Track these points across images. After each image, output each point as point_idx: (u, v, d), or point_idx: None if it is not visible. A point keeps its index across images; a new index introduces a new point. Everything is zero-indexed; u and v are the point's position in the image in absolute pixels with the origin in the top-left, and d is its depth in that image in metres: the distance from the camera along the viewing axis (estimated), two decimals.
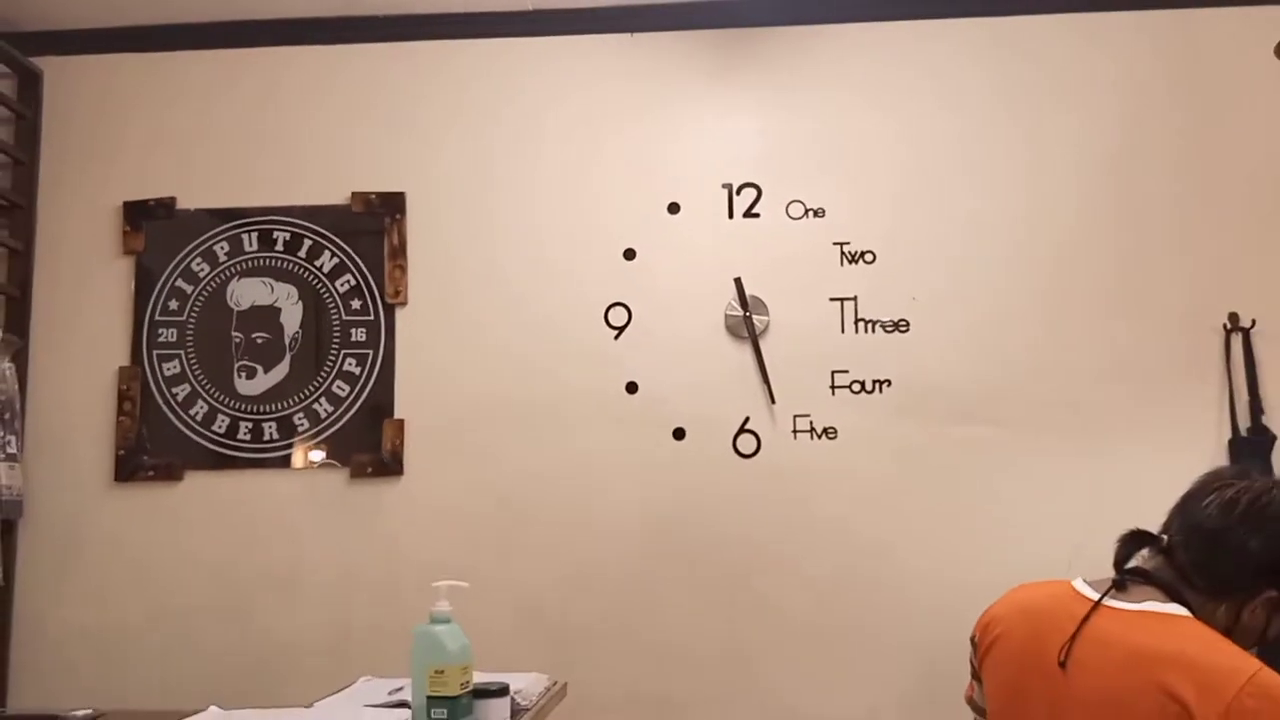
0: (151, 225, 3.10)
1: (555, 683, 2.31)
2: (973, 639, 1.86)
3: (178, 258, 3.09)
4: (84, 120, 3.15)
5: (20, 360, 3.01)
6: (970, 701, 1.90)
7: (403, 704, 1.98)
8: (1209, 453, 2.88)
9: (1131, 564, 1.72)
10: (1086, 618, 1.65)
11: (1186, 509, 1.72)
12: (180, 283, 3.09)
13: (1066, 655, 1.64)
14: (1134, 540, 1.71)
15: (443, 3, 3.09)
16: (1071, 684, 1.63)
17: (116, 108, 3.15)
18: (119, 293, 3.09)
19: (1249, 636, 1.67)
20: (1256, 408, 2.93)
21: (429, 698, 1.77)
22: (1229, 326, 2.96)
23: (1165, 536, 1.72)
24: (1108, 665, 1.60)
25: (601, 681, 2.87)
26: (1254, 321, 2.94)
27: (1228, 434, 2.91)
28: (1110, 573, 1.73)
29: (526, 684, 2.09)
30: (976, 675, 1.85)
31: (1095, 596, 1.68)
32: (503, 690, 1.91)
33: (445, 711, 1.77)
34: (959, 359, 2.97)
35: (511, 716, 1.93)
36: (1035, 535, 2.85)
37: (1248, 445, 2.91)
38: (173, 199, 3.11)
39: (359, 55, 3.13)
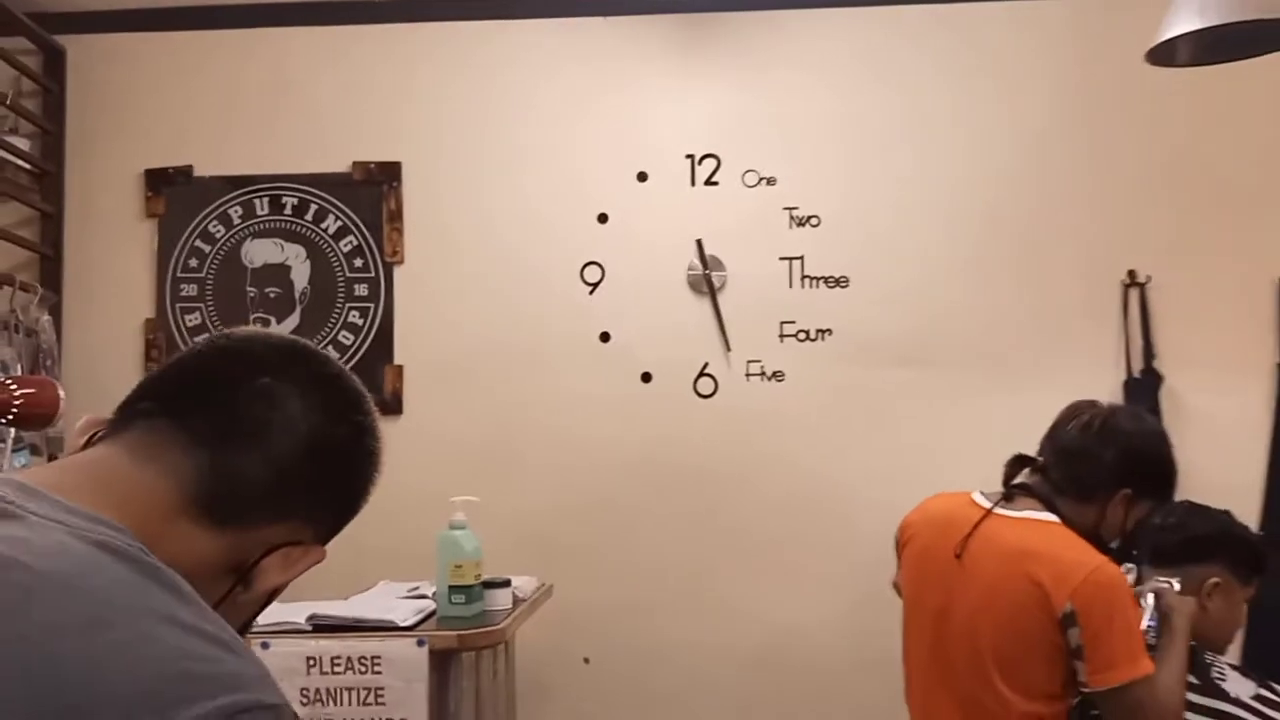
0: (171, 191, 3.44)
1: (543, 584, 2.72)
2: (896, 538, 2.32)
3: (196, 220, 3.43)
4: (106, 94, 3.47)
5: (55, 314, 3.35)
6: (895, 586, 2.35)
7: (421, 597, 2.38)
8: (1108, 391, 3.31)
9: (1018, 480, 2.18)
10: (979, 522, 2.10)
11: (1054, 435, 2.19)
12: (199, 243, 3.43)
13: (962, 550, 2.10)
14: (1017, 463, 2.18)
15: None
16: (964, 572, 2.09)
17: (136, 83, 3.47)
18: (143, 252, 3.43)
19: (1113, 529, 2.14)
20: (1149, 353, 3.37)
21: (450, 587, 2.17)
22: (1128, 282, 3.39)
23: (1040, 459, 2.18)
24: (991, 558, 2.05)
25: (582, 589, 3.27)
26: (1149, 278, 3.37)
27: (1123, 375, 3.35)
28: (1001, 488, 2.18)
29: (523, 582, 2.50)
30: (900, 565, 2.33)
31: (988, 505, 2.14)
32: (506, 583, 2.32)
33: (463, 597, 2.17)
34: (892, 310, 3.38)
35: (512, 606, 2.33)
36: (956, 463, 3.26)
37: (1140, 385, 3.35)
38: (190, 167, 3.45)
39: (360, 36, 3.47)
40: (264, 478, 0.86)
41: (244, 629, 0.87)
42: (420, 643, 2.01)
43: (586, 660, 3.37)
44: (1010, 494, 2.16)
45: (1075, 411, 2.15)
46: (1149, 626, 2.22)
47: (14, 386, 2.20)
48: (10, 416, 2.18)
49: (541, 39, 3.47)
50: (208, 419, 0.85)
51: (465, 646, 2.05)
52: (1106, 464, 2.08)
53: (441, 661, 2.04)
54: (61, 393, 2.30)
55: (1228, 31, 2.46)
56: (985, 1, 3.44)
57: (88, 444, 0.87)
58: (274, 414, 0.87)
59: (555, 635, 3.28)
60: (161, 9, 3.45)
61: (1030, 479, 2.17)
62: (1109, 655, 1.90)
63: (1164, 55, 2.56)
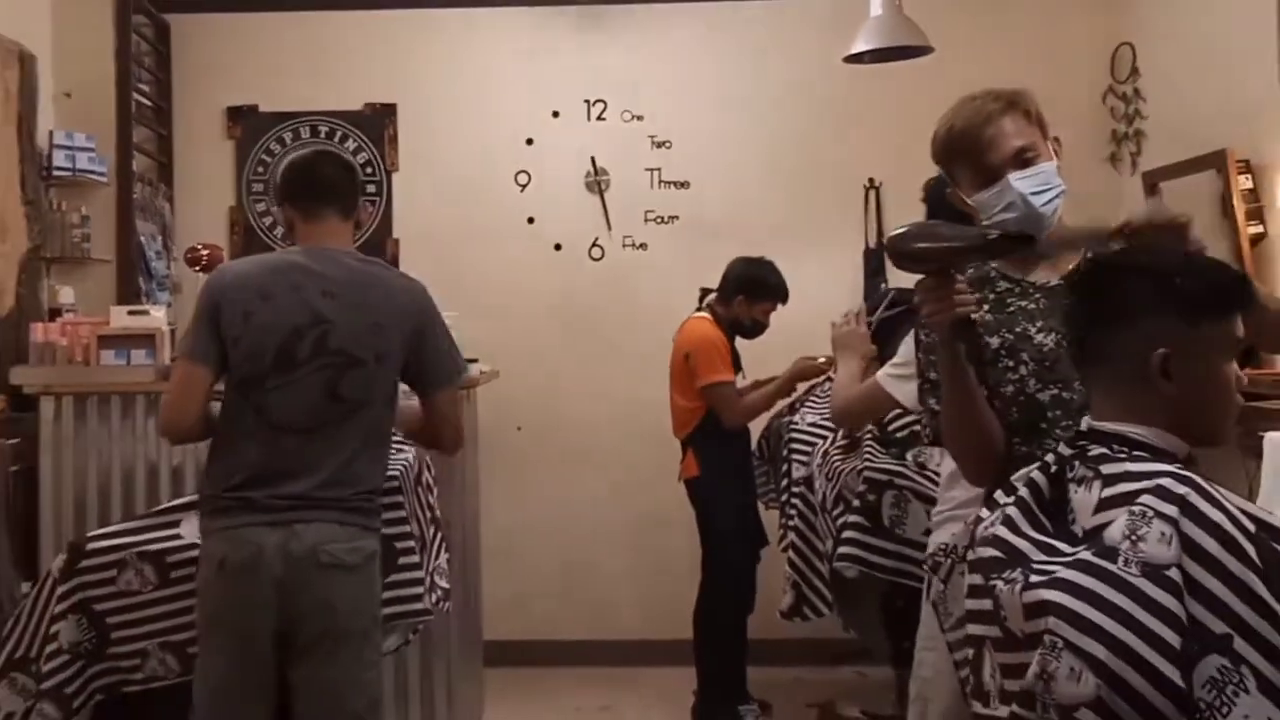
0: (244, 121, 5.19)
1: (494, 369, 4.62)
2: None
3: (260, 141, 5.20)
4: (198, 54, 5.19)
5: (170, 202, 5.11)
6: None
7: None
8: (851, 258, 5.24)
9: (706, 301, 4.19)
10: (684, 323, 4.15)
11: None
12: (263, 156, 5.20)
13: (677, 335, 4.14)
14: (703, 292, 4.21)
15: None
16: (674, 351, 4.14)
17: (219, 46, 5.19)
18: (226, 162, 5.20)
19: (743, 319, 4.20)
20: (880, 234, 5.27)
21: None
22: (868, 185, 5.28)
23: (715, 289, 4.23)
24: (677, 340, 4.08)
25: (514, 384, 5.12)
26: (881, 183, 5.26)
27: (863, 248, 5.27)
28: None
29: (483, 365, 4.39)
30: None
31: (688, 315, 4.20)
32: (474, 360, 4.20)
33: None
34: (716, 204, 5.24)
35: (477, 375, 4.23)
36: None
37: (873, 254, 5.26)
38: (256, 105, 5.20)
39: (371, 18, 5.20)
40: None
41: None
42: None
43: (519, 428, 5.29)
44: (700, 308, 4.21)
45: (743, 257, 4.22)
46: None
47: (202, 249, 4.02)
48: (200, 266, 4.00)
49: (491, 21, 5.23)
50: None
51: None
52: (729, 280, 4.17)
53: None
54: (225, 253, 4.12)
55: (888, 50, 4.32)
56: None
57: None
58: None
59: (497, 412, 5.16)
60: None
61: (712, 297, 4.21)
62: (703, 371, 4.09)
63: (855, 59, 4.42)
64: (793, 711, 4.50)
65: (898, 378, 2.60)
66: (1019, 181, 2.01)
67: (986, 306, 2.06)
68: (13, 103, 4.31)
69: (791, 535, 3.70)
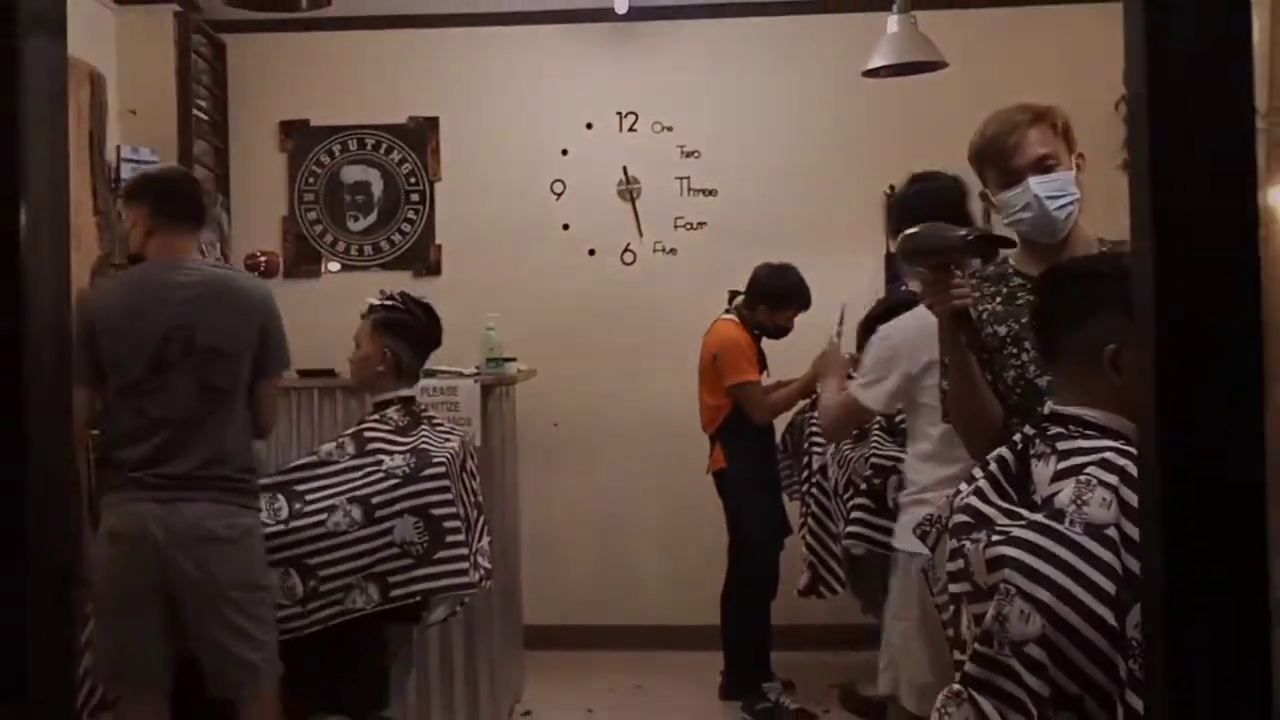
0: (296, 135, 5.49)
1: (532, 368, 4.89)
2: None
3: (311, 153, 5.50)
4: (252, 72, 5.49)
5: (226, 210, 5.41)
6: None
7: (459, 373, 4.52)
8: (871, 263, 5.48)
9: (735, 303, 4.43)
10: (713, 323, 4.40)
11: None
12: (314, 167, 5.50)
13: (706, 334, 4.37)
14: (731, 294, 4.44)
15: (466, 4, 5.45)
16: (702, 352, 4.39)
17: (271, 64, 5.49)
18: (279, 173, 5.50)
19: (765, 322, 4.47)
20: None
21: (487, 359, 4.32)
22: (888, 193, 5.51)
23: (742, 291, 4.48)
24: (705, 341, 4.36)
25: (550, 383, 5.40)
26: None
27: (884, 253, 5.51)
28: None
29: (519, 364, 4.65)
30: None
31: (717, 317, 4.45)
32: (513, 359, 4.47)
33: (494, 364, 4.32)
34: (742, 211, 5.49)
35: (515, 373, 4.49)
36: None
37: (894, 259, 5.49)
38: (307, 119, 5.50)
39: (416, 37, 5.49)
40: None
41: None
42: (476, 380, 4.16)
43: (556, 424, 5.56)
44: (729, 310, 4.45)
45: (768, 264, 4.46)
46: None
47: (261, 255, 4.32)
48: (259, 272, 4.30)
49: (528, 38, 5.51)
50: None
51: (498, 383, 4.23)
52: (753, 288, 4.40)
53: (485, 392, 4.19)
54: (280, 260, 4.42)
55: (903, 66, 4.56)
56: (800, 15, 5.51)
57: None
58: None
59: (535, 409, 5.44)
60: (285, 19, 5.43)
61: (739, 300, 4.46)
62: (730, 372, 4.33)
63: (872, 73, 4.66)
64: (816, 691, 4.74)
65: (864, 385, 2.88)
66: (1037, 185, 2.21)
67: (999, 299, 2.34)
68: (84, 120, 4.63)
69: (809, 520, 3.95)
